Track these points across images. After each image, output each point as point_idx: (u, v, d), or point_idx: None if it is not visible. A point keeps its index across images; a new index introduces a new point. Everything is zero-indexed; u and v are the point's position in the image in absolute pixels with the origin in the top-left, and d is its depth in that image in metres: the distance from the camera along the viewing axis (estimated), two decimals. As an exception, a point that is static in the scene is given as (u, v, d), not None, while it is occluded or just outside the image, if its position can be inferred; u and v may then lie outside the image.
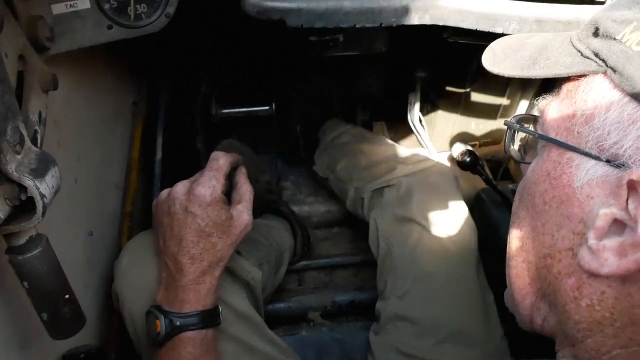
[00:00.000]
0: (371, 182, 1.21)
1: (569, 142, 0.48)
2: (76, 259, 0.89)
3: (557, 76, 0.51)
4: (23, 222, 0.55)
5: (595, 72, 0.47)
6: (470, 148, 1.32)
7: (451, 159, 1.47)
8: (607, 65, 0.46)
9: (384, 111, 1.66)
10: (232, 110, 1.45)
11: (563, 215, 0.47)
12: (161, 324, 0.72)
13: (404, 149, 1.29)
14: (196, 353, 0.73)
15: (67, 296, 0.63)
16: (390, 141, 1.36)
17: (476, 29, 0.85)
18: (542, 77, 0.53)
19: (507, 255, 0.56)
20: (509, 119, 0.61)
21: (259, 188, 1.38)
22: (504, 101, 1.44)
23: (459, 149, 1.32)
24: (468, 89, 1.40)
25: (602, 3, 0.84)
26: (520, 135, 0.62)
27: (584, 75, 0.49)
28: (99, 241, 1.00)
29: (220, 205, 0.77)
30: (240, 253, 0.96)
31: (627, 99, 0.43)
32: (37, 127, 0.60)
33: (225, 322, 0.80)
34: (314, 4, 0.82)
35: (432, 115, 1.55)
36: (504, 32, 0.84)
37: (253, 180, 1.38)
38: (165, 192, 0.80)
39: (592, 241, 0.43)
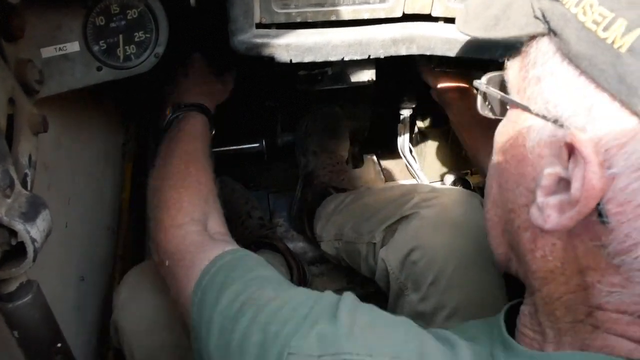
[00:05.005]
0: (383, 222, 1.05)
1: (524, 103, 0.49)
2: (67, 305, 0.86)
3: (512, 38, 0.52)
4: (13, 268, 0.53)
5: (542, 34, 0.47)
6: (463, 177, 1.32)
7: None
8: (549, 28, 0.46)
9: (374, 144, 1.67)
10: (222, 148, 1.44)
11: (520, 173, 0.49)
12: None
13: (414, 182, 1.24)
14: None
15: (59, 345, 0.60)
16: (396, 184, 1.30)
17: (463, 57, 0.86)
18: (500, 38, 0.54)
19: (484, 207, 0.58)
20: (478, 80, 0.61)
21: (252, 224, 1.37)
22: (492, 128, 1.45)
23: (452, 178, 1.32)
24: (457, 118, 1.40)
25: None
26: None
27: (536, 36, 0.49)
28: (91, 286, 0.97)
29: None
30: None
31: (565, 62, 0.43)
32: (27, 170, 0.59)
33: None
34: (302, 39, 0.83)
35: (422, 145, 1.56)
36: (492, 59, 0.85)
37: (246, 215, 1.37)
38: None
39: (539, 199, 0.45)
